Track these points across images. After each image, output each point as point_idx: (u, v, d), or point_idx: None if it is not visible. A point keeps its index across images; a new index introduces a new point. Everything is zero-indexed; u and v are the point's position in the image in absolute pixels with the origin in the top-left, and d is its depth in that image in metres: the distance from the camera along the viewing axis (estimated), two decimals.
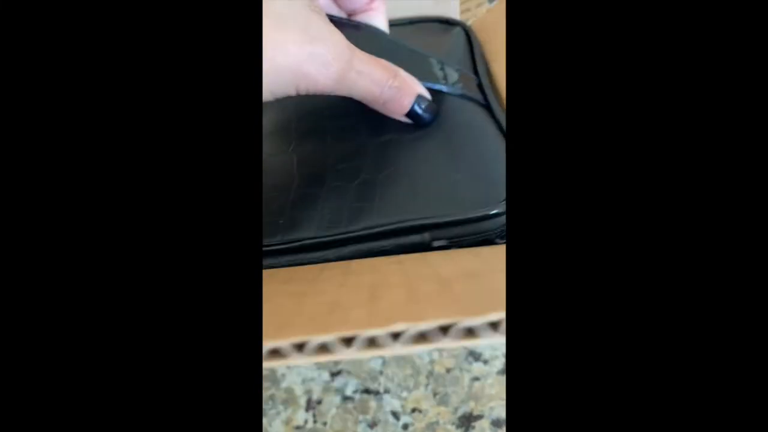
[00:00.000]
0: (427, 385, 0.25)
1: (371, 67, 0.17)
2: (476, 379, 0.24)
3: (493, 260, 0.14)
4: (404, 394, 0.25)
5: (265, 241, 0.18)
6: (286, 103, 0.19)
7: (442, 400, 0.25)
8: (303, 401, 0.25)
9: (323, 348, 0.09)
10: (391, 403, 0.25)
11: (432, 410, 0.24)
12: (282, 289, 0.12)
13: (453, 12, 0.27)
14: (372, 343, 0.09)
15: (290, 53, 0.15)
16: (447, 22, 0.26)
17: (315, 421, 0.25)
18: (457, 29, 0.25)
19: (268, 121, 0.22)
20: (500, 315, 0.08)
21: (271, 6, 0.15)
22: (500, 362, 0.24)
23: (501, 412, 0.24)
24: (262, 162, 0.21)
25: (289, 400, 0.25)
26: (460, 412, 0.24)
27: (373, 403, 0.25)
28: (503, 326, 0.09)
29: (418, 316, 0.09)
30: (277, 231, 0.18)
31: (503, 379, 0.24)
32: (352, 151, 0.20)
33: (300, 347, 0.08)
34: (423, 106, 0.19)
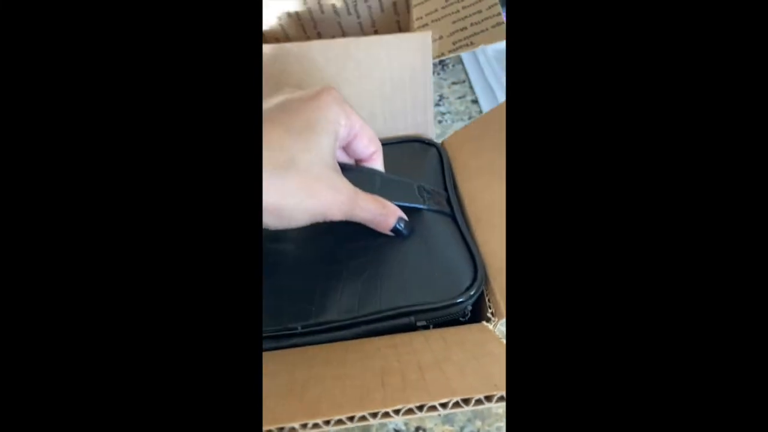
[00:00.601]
0: None
1: (368, 203, 0.27)
2: None
3: (452, 347, 0.23)
4: None
5: (303, 323, 0.27)
6: None
7: (447, 418, 0.25)
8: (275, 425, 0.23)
9: (362, 418, 0.18)
10: (394, 420, 0.23)
11: (437, 429, 0.24)
12: (328, 373, 0.22)
13: (431, 133, 0.37)
14: (385, 414, 0.18)
15: (323, 199, 0.25)
16: (425, 142, 0.36)
17: None
18: (433, 150, 0.35)
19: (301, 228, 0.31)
20: (447, 399, 0.18)
21: (313, 169, 0.24)
22: None
23: None
24: (297, 257, 0.30)
25: None
26: None
27: (359, 426, 0.22)
28: (450, 404, 0.18)
29: (407, 400, 0.18)
30: (310, 315, 0.27)
31: None
32: (359, 251, 0.29)
33: (351, 419, 0.18)
34: (402, 225, 0.29)
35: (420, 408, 0.18)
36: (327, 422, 0.18)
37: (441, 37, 0.51)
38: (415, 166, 0.34)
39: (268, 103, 0.25)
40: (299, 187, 0.23)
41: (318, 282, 0.28)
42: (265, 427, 0.18)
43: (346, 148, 0.29)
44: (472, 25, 0.51)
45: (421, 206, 0.30)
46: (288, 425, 0.18)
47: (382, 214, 0.28)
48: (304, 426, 0.18)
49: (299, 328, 0.26)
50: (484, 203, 0.31)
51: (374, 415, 0.18)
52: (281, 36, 0.52)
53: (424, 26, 0.52)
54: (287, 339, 0.26)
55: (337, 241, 0.30)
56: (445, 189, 0.33)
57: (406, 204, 0.30)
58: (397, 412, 0.18)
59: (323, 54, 0.33)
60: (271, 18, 0.49)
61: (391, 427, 0.26)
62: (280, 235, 0.30)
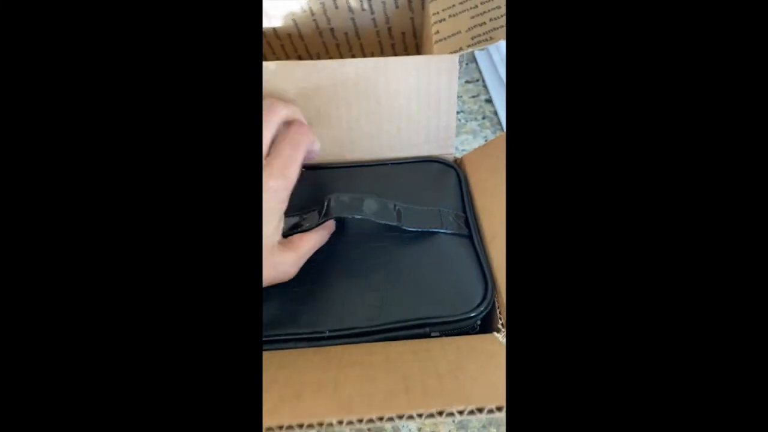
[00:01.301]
0: None
1: (309, 243, 0.33)
2: None
3: (465, 357, 0.27)
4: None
5: (330, 328, 0.31)
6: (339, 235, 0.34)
7: (462, 424, 0.25)
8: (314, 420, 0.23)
9: (390, 419, 0.22)
10: (408, 425, 0.27)
11: None
12: (356, 374, 0.26)
13: (451, 149, 0.41)
14: (410, 417, 0.22)
15: (271, 276, 0.31)
16: (444, 163, 0.40)
17: None
18: (452, 172, 0.39)
19: (331, 245, 0.35)
20: (463, 407, 0.22)
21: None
22: None
23: None
24: (326, 270, 0.34)
25: None
26: None
27: (388, 426, 0.27)
28: (466, 411, 0.22)
29: (428, 405, 0.22)
30: (336, 321, 0.31)
31: None
32: (380, 266, 0.33)
33: (381, 419, 0.22)
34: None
35: (440, 413, 0.22)
36: (360, 420, 0.22)
37: (459, 32, 0.52)
38: (435, 187, 0.38)
39: None
40: None
41: (343, 292, 0.33)
42: (304, 421, 0.22)
43: None
44: (491, 20, 0.51)
45: (442, 230, 0.35)
46: (326, 420, 0.22)
47: (322, 240, 0.34)
48: (340, 422, 0.22)
49: (327, 332, 0.31)
50: (500, 220, 0.35)
51: (401, 416, 0.22)
52: (294, 32, 0.54)
53: (441, 21, 0.53)
54: (316, 341, 0.30)
55: (360, 257, 0.34)
56: (464, 211, 0.37)
57: (427, 229, 0.34)
58: (420, 415, 0.22)
59: (355, 71, 0.36)
60: (284, 13, 0.51)
61: None
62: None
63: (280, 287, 0.33)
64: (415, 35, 0.56)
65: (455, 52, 0.53)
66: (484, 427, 0.28)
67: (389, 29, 0.55)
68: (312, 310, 0.32)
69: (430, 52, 0.47)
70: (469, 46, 0.50)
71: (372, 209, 0.32)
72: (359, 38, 0.55)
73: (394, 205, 0.34)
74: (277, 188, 0.29)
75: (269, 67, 0.36)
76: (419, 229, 0.34)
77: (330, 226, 0.34)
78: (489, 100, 0.59)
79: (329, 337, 0.31)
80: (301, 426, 0.22)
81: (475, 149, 0.40)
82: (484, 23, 0.53)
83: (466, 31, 0.53)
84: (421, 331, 0.30)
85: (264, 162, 0.29)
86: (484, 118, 0.57)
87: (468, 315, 0.30)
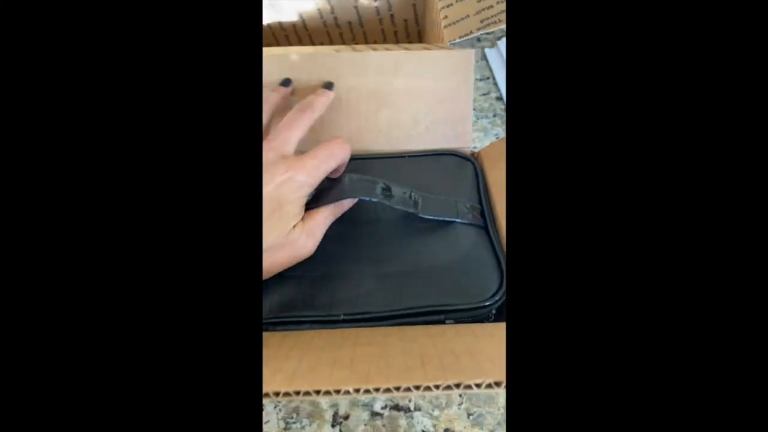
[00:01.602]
0: (460, 404, 0.24)
1: (323, 219, 0.34)
2: None
3: (482, 341, 0.28)
4: (436, 412, 0.26)
5: (345, 312, 0.32)
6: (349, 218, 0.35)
7: (477, 420, 0.25)
8: (329, 415, 0.25)
9: (407, 389, 0.23)
10: (422, 421, 0.26)
11: None
12: (372, 352, 0.27)
13: (469, 142, 0.42)
14: (427, 388, 0.23)
15: (290, 257, 0.33)
16: (460, 156, 0.41)
17: None
18: (469, 165, 0.40)
19: (349, 232, 0.36)
20: (481, 380, 0.23)
21: (277, 243, 0.32)
22: None
23: None
24: (345, 256, 0.35)
25: (315, 413, 0.25)
26: None
27: (403, 422, 0.26)
28: (483, 385, 0.23)
29: (445, 378, 0.23)
30: (352, 306, 0.32)
31: None
32: (395, 254, 0.34)
33: (398, 389, 0.23)
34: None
35: (457, 385, 0.23)
36: (377, 389, 0.23)
37: (467, 16, 0.54)
38: (452, 180, 0.39)
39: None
40: (268, 260, 0.31)
41: (358, 278, 0.34)
42: (321, 388, 0.23)
43: None
44: (498, 3, 0.54)
45: (458, 220, 0.36)
46: (344, 388, 0.23)
47: (335, 212, 0.35)
48: (357, 390, 0.23)
49: (341, 315, 0.31)
50: None
51: (417, 387, 0.23)
52: (298, 22, 0.55)
53: (449, 6, 0.56)
54: (331, 324, 0.31)
55: (376, 244, 0.35)
56: (480, 203, 0.38)
57: (444, 218, 0.35)
58: (437, 387, 0.23)
59: (376, 64, 0.37)
60: (288, 4, 0.53)
61: (419, 428, 0.27)
62: (332, 236, 0.35)
63: (297, 271, 0.33)
64: (417, 22, 0.58)
65: (465, 35, 0.54)
66: (499, 423, 0.28)
67: (392, 17, 0.57)
68: (327, 294, 0.32)
69: (433, 39, 0.49)
70: (478, 29, 0.52)
71: (388, 193, 0.33)
72: (362, 26, 0.57)
73: (411, 194, 0.35)
74: (303, 183, 0.32)
75: (291, 57, 0.37)
76: (435, 218, 0.35)
77: (346, 202, 0.35)
78: (500, 98, 0.60)
79: (344, 321, 0.31)
80: (318, 392, 0.22)
81: (492, 143, 0.41)
82: (492, 6, 0.56)
83: (474, 15, 0.55)
84: (435, 318, 0.31)
85: (299, 158, 0.32)
86: (495, 115, 0.58)
87: (483, 304, 0.31)
